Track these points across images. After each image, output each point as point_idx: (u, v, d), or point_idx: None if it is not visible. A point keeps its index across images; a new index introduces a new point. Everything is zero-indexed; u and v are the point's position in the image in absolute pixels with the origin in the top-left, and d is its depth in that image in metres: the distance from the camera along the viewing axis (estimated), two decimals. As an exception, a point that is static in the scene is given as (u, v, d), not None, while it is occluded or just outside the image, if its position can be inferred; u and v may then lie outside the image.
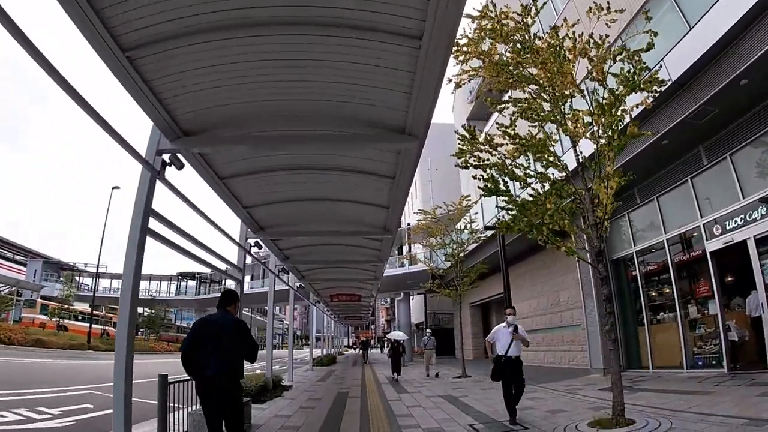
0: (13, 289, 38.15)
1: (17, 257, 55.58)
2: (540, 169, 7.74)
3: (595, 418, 6.65)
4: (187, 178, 37.24)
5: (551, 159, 7.54)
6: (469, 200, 18.22)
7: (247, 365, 4.64)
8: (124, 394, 4.39)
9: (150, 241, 5.20)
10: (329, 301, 23.92)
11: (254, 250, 11.07)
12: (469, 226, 17.46)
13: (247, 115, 5.57)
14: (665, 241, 12.09)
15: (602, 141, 7.12)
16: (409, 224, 32.37)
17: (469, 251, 18.63)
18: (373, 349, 67.73)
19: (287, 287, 17.01)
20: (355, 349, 73.03)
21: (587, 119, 7.29)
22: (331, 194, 8.66)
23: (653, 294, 12.95)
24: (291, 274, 16.96)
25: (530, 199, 7.78)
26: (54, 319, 33.55)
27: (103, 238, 32.97)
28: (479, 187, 7.95)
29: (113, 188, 33.95)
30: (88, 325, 36.04)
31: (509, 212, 7.82)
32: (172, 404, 5.34)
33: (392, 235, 10.19)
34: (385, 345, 31.96)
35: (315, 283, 19.47)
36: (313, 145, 6.63)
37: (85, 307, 45.00)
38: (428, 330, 15.55)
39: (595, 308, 13.81)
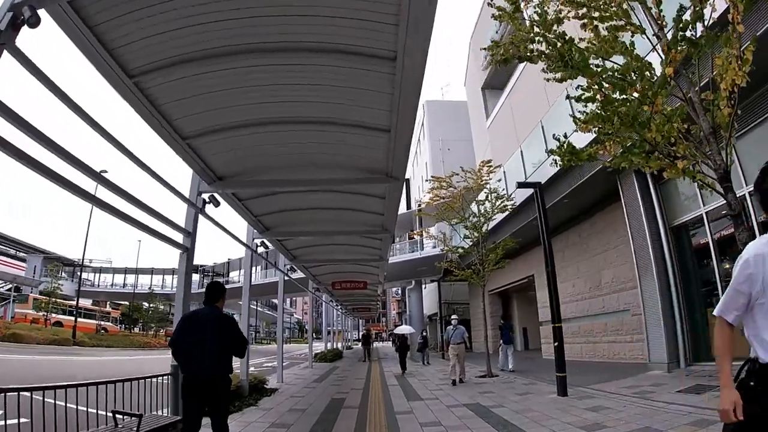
0: (12, 285, 37.42)
1: (20, 254, 54.72)
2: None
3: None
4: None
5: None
6: (491, 165, 15.30)
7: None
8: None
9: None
10: (332, 290, 21.18)
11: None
12: (491, 196, 14.56)
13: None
14: (747, 197, 9.15)
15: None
16: (419, 203, 29.53)
17: (491, 228, 15.69)
18: (383, 342, 65.10)
19: (280, 275, 14.37)
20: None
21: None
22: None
23: (729, 267, 9.99)
24: (282, 258, 14.39)
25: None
26: (41, 314, 31.47)
27: (89, 228, 30.52)
28: (544, 70, 5.20)
29: (101, 171, 31.54)
30: (87, 320, 35.29)
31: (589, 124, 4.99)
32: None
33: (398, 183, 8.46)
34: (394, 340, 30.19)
35: (312, 267, 16.79)
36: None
37: (86, 302, 43.90)
38: (454, 318, 12.99)
39: (656, 286, 10.94)
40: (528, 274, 20.39)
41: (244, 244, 10.15)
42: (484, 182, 15.21)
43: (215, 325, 4.32)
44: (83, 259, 31.30)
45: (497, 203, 14.21)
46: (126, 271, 59.85)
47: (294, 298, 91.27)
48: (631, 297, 13.42)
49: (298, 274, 20.66)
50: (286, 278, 14.74)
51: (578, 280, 16.44)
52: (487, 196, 14.72)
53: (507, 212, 14.80)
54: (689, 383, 8.60)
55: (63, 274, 52.55)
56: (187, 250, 7.16)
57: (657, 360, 10.94)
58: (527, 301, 26.93)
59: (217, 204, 7.76)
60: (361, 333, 78.05)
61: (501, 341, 15.73)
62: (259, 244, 10.96)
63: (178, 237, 7.12)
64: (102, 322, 37.69)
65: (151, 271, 61.62)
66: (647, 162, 4.84)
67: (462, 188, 14.97)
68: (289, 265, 14.42)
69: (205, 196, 7.50)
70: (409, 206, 36.12)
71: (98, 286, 59.94)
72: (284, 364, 23.10)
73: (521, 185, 10.07)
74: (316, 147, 7.17)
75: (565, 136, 5.53)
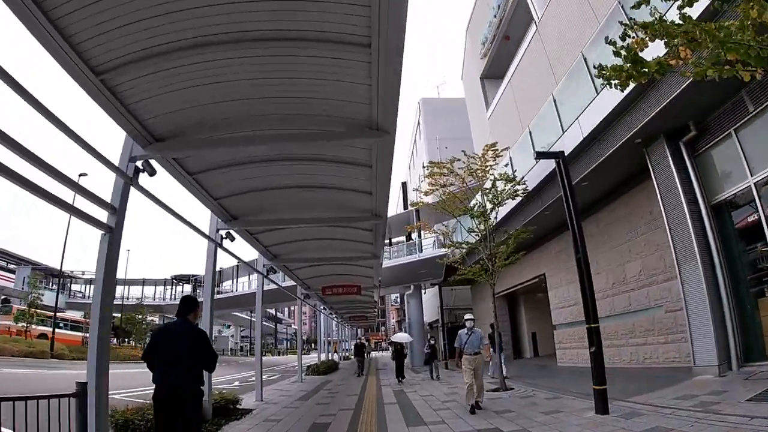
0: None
1: (11, 266, 53.53)
2: None
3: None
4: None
5: None
6: (496, 149, 13.48)
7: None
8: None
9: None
10: (323, 296, 19.29)
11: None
12: (498, 182, 12.77)
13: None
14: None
15: None
16: (417, 189, 27.73)
17: (499, 220, 13.81)
18: (383, 352, 62.75)
19: (259, 278, 12.50)
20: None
21: None
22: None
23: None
24: (261, 259, 12.53)
25: None
26: (20, 324, 29.88)
27: (67, 234, 28.66)
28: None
29: (80, 175, 29.91)
30: (76, 333, 33.93)
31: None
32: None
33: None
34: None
35: (297, 269, 14.95)
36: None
37: (74, 314, 42.55)
38: (468, 318, 9.20)
39: (701, 275, 9.15)
40: (538, 273, 18.52)
41: (203, 234, 8.27)
42: (489, 167, 13.39)
43: (187, 339, 4.31)
44: (61, 269, 29.49)
45: (507, 188, 12.40)
46: (116, 282, 57.71)
47: (292, 308, 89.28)
48: (664, 291, 11.62)
49: (289, 282, 18.85)
50: (273, 285, 12.87)
51: (597, 276, 14.53)
52: (493, 184, 12.92)
53: (519, 197, 12.96)
54: (757, 388, 6.83)
55: (51, 285, 51.88)
56: (111, 231, 5.35)
57: (705, 362, 9.10)
58: (536, 303, 25.07)
59: (152, 172, 6.00)
60: (353, 343, 75.90)
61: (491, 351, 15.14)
62: (224, 236, 8.97)
63: (102, 215, 5.36)
64: (88, 335, 35.64)
65: (143, 282, 60.13)
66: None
67: (465, 172, 13.15)
68: (269, 265, 12.49)
69: (139, 163, 5.87)
70: (406, 207, 34.21)
71: (88, 297, 58.47)
72: (274, 377, 21.43)
73: (541, 155, 8.21)
74: (285, 95, 5.64)
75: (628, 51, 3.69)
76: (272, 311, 76.66)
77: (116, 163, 5.52)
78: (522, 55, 20.03)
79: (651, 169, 10.61)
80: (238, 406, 9.54)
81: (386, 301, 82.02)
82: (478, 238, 13.18)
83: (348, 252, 12.48)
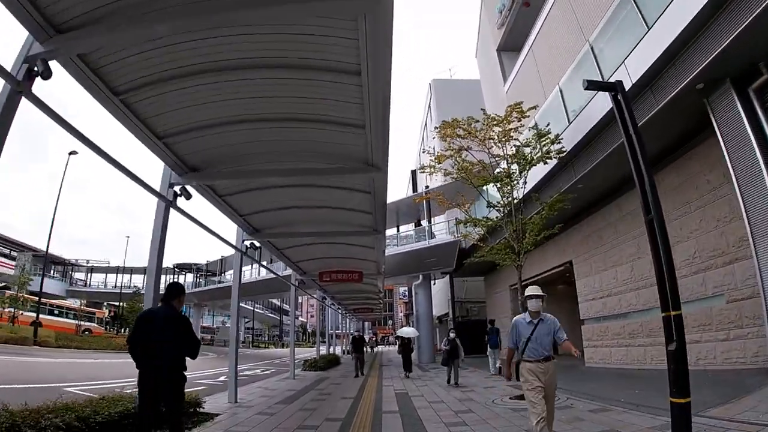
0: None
1: (13, 253, 51.78)
2: None
3: None
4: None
5: None
6: (521, 109, 11.33)
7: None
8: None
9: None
10: (320, 283, 17.31)
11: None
12: (530, 140, 10.64)
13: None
14: None
15: None
16: (427, 186, 25.61)
17: (527, 191, 11.63)
18: (390, 346, 60.60)
19: (237, 255, 10.53)
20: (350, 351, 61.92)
21: None
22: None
23: None
24: (239, 232, 10.61)
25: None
26: (8, 309, 28.54)
27: (55, 211, 27.18)
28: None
29: (70, 153, 28.30)
30: (69, 321, 32.66)
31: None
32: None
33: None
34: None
35: (286, 248, 13.02)
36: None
37: (72, 302, 42.06)
38: (534, 292, 5.18)
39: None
40: (562, 261, 16.35)
41: (153, 191, 6.31)
42: (512, 130, 11.28)
43: (170, 325, 4.38)
44: (48, 248, 27.87)
45: (541, 145, 10.26)
46: (118, 270, 56.95)
47: (300, 300, 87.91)
48: (726, 276, 9.58)
49: (289, 271, 16.94)
50: (266, 274, 10.93)
51: (636, 262, 12.46)
52: (517, 150, 10.80)
53: (553, 159, 10.80)
54: None
55: (53, 272, 51.99)
56: None
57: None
58: (555, 296, 22.93)
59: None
60: (351, 336, 72.50)
61: (488, 346, 15.61)
62: (178, 192, 7.01)
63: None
64: (84, 323, 34.32)
65: (144, 271, 58.87)
66: None
67: (485, 133, 11.07)
68: (249, 239, 10.56)
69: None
70: (415, 189, 31.91)
71: (89, 285, 57.57)
72: (267, 372, 19.52)
73: (594, 85, 6.02)
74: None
75: None
76: (277, 302, 75.22)
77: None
78: (545, 18, 17.81)
79: (715, 124, 8.49)
80: (199, 410, 7.63)
81: (394, 295, 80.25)
82: (500, 215, 11.10)
83: (344, 226, 10.48)
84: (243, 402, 9.80)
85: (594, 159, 10.96)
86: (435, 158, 12.28)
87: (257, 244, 11.03)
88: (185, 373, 4.43)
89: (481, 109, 11.82)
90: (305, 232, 10.79)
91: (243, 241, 10.63)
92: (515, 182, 10.46)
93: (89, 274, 59.66)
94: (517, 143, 11.22)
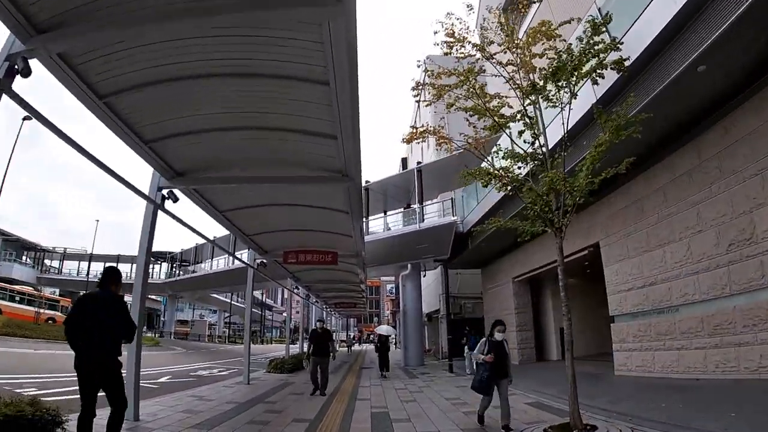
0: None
1: None
2: None
3: None
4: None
5: None
6: (550, 24, 8.16)
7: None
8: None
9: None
10: (285, 265, 14.05)
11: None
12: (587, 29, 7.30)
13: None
14: None
15: None
16: (419, 162, 22.40)
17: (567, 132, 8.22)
18: (365, 344, 56.94)
19: (149, 207, 7.27)
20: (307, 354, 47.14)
21: None
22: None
23: None
24: (156, 177, 7.38)
25: None
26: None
27: (5, 177, 23.91)
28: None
29: (23, 119, 24.98)
30: (27, 307, 29.99)
31: None
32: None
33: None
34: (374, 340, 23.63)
35: (233, 213, 9.80)
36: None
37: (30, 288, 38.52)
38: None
39: None
40: (588, 243, 13.24)
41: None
42: (533, 56, 8.10)
43: (108, 309, 4.40)
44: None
45: (593, 43, 6.99)
46: (91, 258, 53.57)
47: (284, 296, 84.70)
48: None
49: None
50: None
51: (695, 237, 9.41)
52: (548, 73, 7.50)
53: (609, 71, 7.53)
54: None
55: (25, 258, 50.51)
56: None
57: None
58: (569, 289, 19.90)
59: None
60: (352, 334, 69.43)
61: (467, 348, 15.69)
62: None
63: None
64: (46, 311, 31.20)
65: (117, 259, 55.50)
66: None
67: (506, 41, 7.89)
68: (167, 187, 7.30)
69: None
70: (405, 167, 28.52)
71: (62, 273, 54.12)
72: (223, 373, 16.26)
73: None
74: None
75: None
76: (259, 295, 71.90)
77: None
78: None
79: None
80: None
81: (381, 292, 77.15)
82: (523, 165, 7.85)
83: (300, 168, 7.31)
84: (146, 422, 6.69)
85: (652, 88, 7.84)
86: (434, 91, 9.01)
87: (181, 195, 7.70)
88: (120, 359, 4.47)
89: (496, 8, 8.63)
90: (247, 176, 7.57)
91: (159, 190, 7.44)
92: (556, 101, 7.25)
93: (62, 261, 56.41)
94: (553, 62, 7.89)
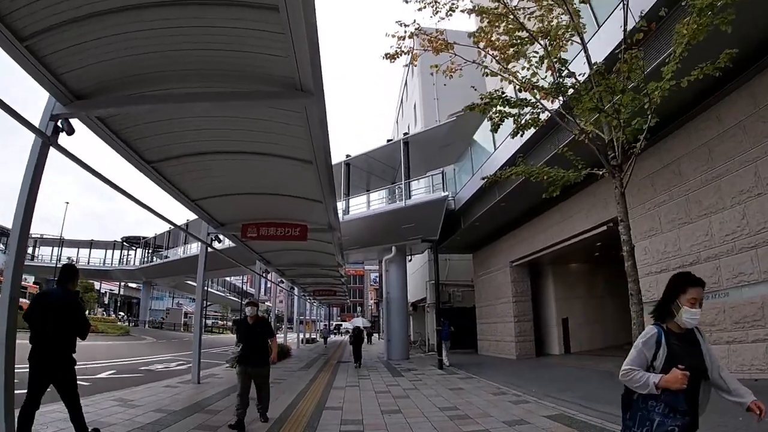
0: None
1: None
2: None
3: None
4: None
5: None
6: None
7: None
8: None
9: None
10: (243, 239, 11.81)
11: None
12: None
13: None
14: None
15: None
16: (406, 133, 20.22)
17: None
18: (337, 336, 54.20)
19: (37, 142, 5.02)
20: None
21: None
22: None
23: None
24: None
25: None
26: None
27: None
28: None
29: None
30: None
31: None
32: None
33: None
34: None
35: (172, 168, 7.59)
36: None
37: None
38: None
39: None
40: (604, 219, 11.27)
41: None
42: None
43: (64, 307, 4.41)
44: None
45: None
46: (63, 243, 50.81)
47: (270, 285, 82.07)
48: None
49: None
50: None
51: (752, 202, 7.46)
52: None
53: None
54: None
55: None
56: None
57: None
58: (572, 276, 18.06)
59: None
60: (333, 324, 66.22)
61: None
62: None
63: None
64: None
65: (90, 245, 52.90)
66: None
67: None
68: (63, 114, 5.06)
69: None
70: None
71: (33, 259, 51.29)
72: (179, 368, 14.01)
73: None
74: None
75: None
76: (238, 283, 69.49)
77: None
78: None
79: None
80: None
81: (365, 281, 75.19)
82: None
83: (242, 80, 5.12)
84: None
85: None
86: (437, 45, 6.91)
87: (64, 109, 5.42)
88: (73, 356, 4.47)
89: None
90: (162, 92, 5.24)
91: (53, 120, 5.13)
92: None
93: (37, 248, 53.35)
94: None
